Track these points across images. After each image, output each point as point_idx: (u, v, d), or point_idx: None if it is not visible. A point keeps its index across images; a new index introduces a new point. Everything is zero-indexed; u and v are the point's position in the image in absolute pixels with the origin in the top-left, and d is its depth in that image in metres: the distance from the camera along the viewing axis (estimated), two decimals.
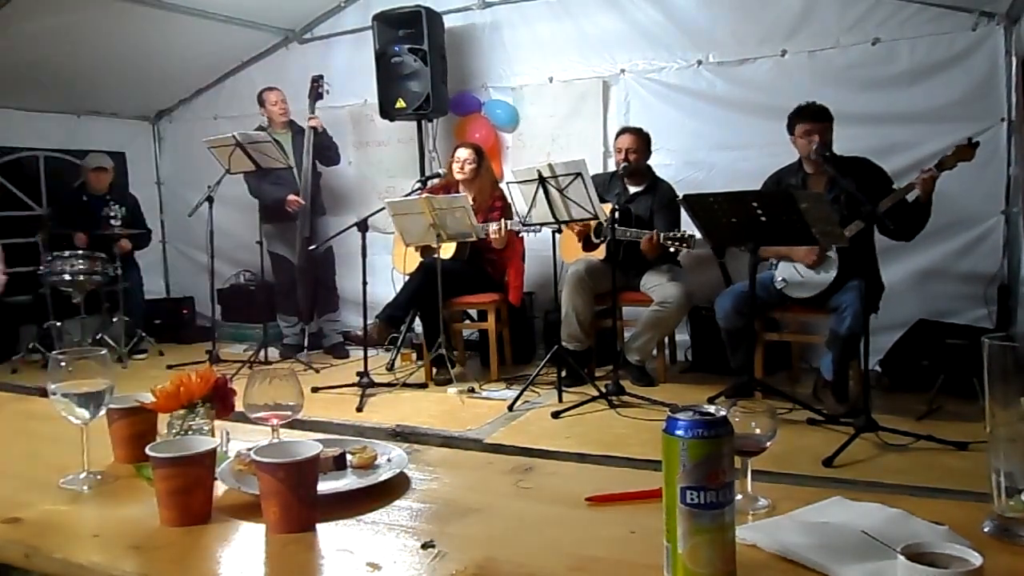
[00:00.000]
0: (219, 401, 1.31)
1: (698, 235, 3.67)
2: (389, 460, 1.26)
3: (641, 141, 4.40)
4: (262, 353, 5.01)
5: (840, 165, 3.62)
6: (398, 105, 5.17)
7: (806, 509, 1.04)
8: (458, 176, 4.72)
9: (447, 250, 4.53)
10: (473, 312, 4.97)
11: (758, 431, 1.10)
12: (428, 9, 5.09)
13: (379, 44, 5.20)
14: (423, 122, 5.41)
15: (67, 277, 5.01)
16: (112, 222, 5.20)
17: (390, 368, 4.96)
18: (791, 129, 3.86)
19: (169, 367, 4.96)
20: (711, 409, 0.87)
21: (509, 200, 4.76)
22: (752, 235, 3.33)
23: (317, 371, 4.95)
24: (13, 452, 1.45)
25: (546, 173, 3.86)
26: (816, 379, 3.97)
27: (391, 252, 5.05)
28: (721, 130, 4.76)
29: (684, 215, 3.93)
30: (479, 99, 5.47)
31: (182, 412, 1.28)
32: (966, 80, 4.21)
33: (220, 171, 4.96)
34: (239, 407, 1.32)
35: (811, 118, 3.77)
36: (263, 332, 5.11)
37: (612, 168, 4.69)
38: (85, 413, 1.20)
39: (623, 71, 5.07)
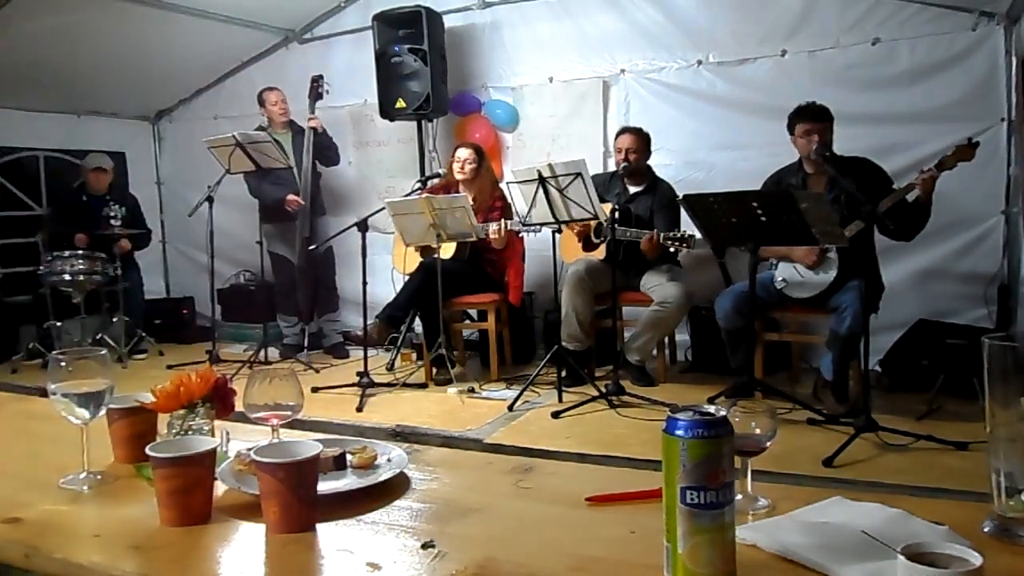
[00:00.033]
0: (219, 401, 1.31)
1: (698, 235, 3.67)
2: (389, 460, 1.26)
3: (641, 141, 4.40)
4: (262, 353, 5.01)
5: (840, 165, 3.62)
6: (398, 105, 5.17)
7: (806, 509, 1.04)
8: (458, 176, 4.72)
9: (447, 250, 4.53)
10: (473, 312, 4.97)
11: (758, 431, 1.10)
12: (428, 9, 5.09)
13: (379, 44, 5.20)
14: (423, 122, 5.41)
15: (67, 277, 5.01)
16: (112, 222, 5.20)
17: (390, 368, 4.96)
18: (791, 129, 3.86)
19: (169, 367, 4.96)
20: (711, 409, 0.87)
21: (509, 200, 4.76)
22: (752, 235, 3.33)
23: (317, 371, 4.95)
24: (13, 452, 1.45)
25: (546, 173, 3.86)
26: (816, 379, 3.97)
27: (391, 252, 5.05)
28: (721, 130, 4.76)
29: (684, 215, 3.93)
30: (479, 99, 5.47)
31: (182, 412, 1.28)
32: (966, 80, 4.21)
33: (220, 171, 4.96)
34: (239, 407, 1.32)
35: (811, 118, 3.77)
36: (263, 332, 5.11)
37: (612, 168, 4.69)
38: (85, 413, 1.20)
39: (623, 71, 5.07)
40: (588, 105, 5.15)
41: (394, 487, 1.18)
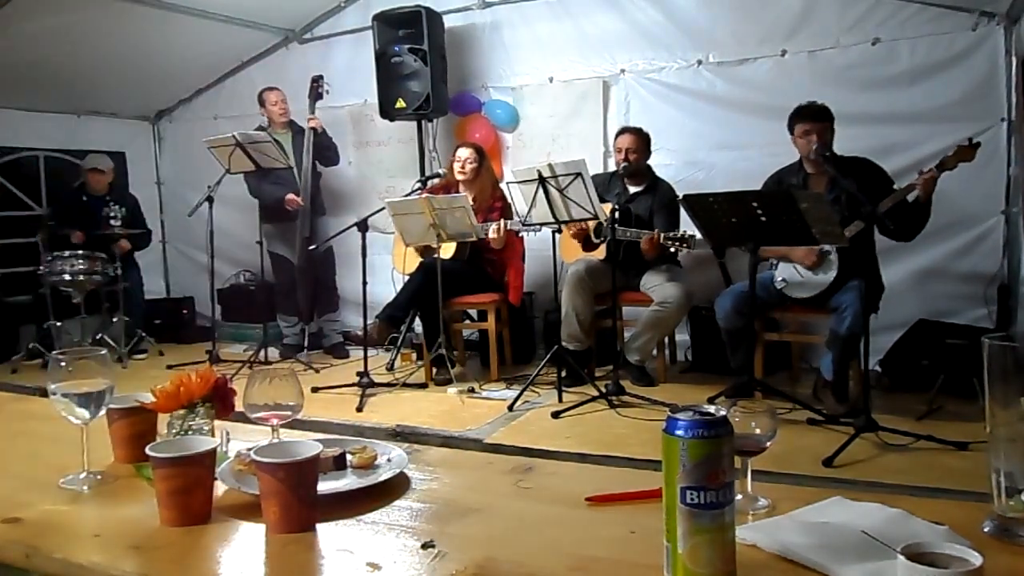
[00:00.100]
0: (219, 401, 1.31)
1: (698, 235, 3.67)
2: (389, 460, 1.26)
3: (641, 141, 4.40)
4: (262, 353, 5.01)
5: (841, 165, 3.62)
6: (398, 105, 5.17)
7: (806, 509, 1.04)
8: (459, 176, 4.72)
9: (447, 250, 4.53)
10: (473, 312, 4.97)
11: (758, 431, 1.10)
12: (428, 9, 5.09)
13: (379, 44, 5.20)
14: (423, 122, 5.41)
15: (67, 277, 5.01)
16: (112, 222, 5.20)
17: (390, 368, 4.96)
18: (791, 129, 3.86)
19: (169, 367, 4.97)
20: (711, 409, 0.87)
21: (509, 200, 4.76)
22: (752, 235, 3.33)
23: (317, 371, 4.95)
24: (13, 452, 1.45)
25: (546, 173, 3.86)
26: (816, 379, 3.97)
27: (391, 252, 5.05)
28: (721, 130, 4.76)
29: (684, 215, 3.93)
30: (479, 99, 5.47)
31: (182, 412, 1.28)
32: (966, 80, 4.21)
33: (220, 171, 4.96)
34: (239, 407, 1.32)
35: (810, 118, 3.77)
36: (263, 332, 5.11)
37: (612, 168, 4.69)
38: (85, 413, 1.20)
39: (623, 71, 5.07)
40: (588, 105, 5.15)
41: (394, 487, 1.18)
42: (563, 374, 4.11)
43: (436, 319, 4.36)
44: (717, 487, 0.83)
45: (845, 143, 3.82)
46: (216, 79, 6.38)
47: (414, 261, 4.69)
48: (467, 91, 5.48)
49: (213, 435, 1.28)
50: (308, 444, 1.08)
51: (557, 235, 4.17)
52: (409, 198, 4.40)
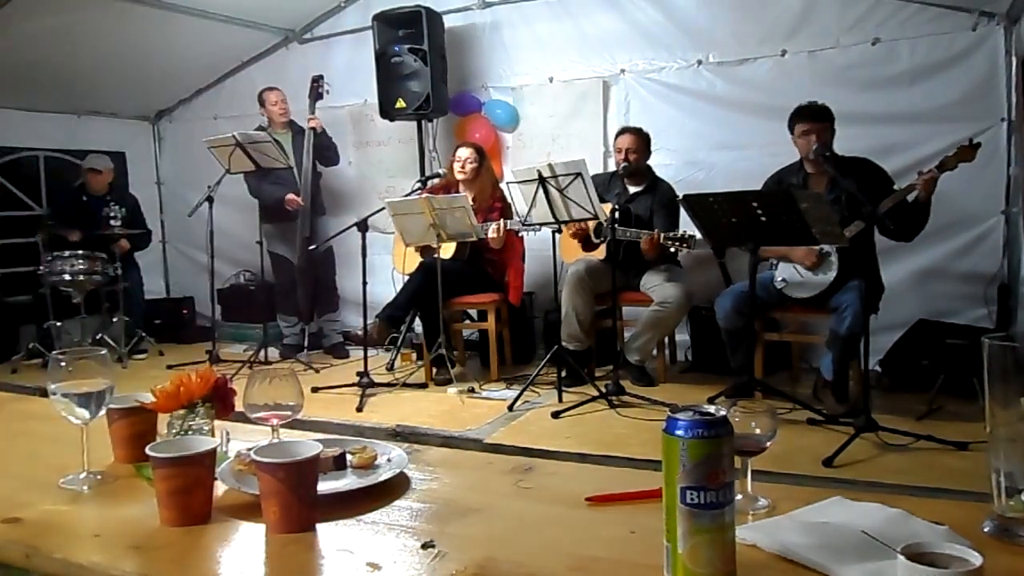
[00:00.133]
0: (219, 401, 1.31)
1: (698, 235, 3.67)
2: (389, 460, 1.26)
3: (641, 141, 4.40)
4: (262, 353, 5.01)
5: (841, 165, 3.62)
6: (398, 105, 5.17)
7: (806, 509, 1.04)
8: (459, 176, 4.72)
9: (447, 250, 4.53)
10: (473, 312, 4.97)
11: (758, 431, 1.10)
12: (428, 9, 5.09)
13: (379, 44, 5.20)
14: (423, 122, 5.41)
15: (67, 277, 5.01)
16: (112, 222, 5.20)
17: (390, 368, 4.96)
18: (791, 129, 3.86)
19: (169, 367, 4.97)
20: (711, 409, 0.87)
21: (509, 200, 4.76)
22: (752, 235, 3.33)
23: (317, 371, 4.95)
24: (13, 452, 1.45)
25: (546, 173, 3.86)
26: (816, 379, 3.97)
27: (391, 252, 5.05)
28: (721, 130, 4.76)
29: (684, 215, 3.93)
30: (479, 99, 5.47)
31: (182, 412, 1.28)
32: (966, 80, 4.21)
33: (220, 171, 4.96)
34: (239, 407, 1.32)
35: (810, 118, 3.77)
36: (263, 332, 5.11)
37: (612, 168, 4.69)
38: (85, 413, 1.20)
39: (623, 71, 5.07)
40: (588, 105, 5.15)
41: (394, 487, 1.18)
42: (563, 374, 4.11)
43: (436, 319, 4.36)
44: (717, 487, 0.83)
45: (845, 143, 3.82)
46: (216, 79, 6.38)
47: (414, 261, 4.69)
48: (467, 91, 5.48)
49: (213, 435, 1.28)
50: (308, 444, 1.08)
51: (557, 235, 4.17)
52: (409, 198, 4.40)
